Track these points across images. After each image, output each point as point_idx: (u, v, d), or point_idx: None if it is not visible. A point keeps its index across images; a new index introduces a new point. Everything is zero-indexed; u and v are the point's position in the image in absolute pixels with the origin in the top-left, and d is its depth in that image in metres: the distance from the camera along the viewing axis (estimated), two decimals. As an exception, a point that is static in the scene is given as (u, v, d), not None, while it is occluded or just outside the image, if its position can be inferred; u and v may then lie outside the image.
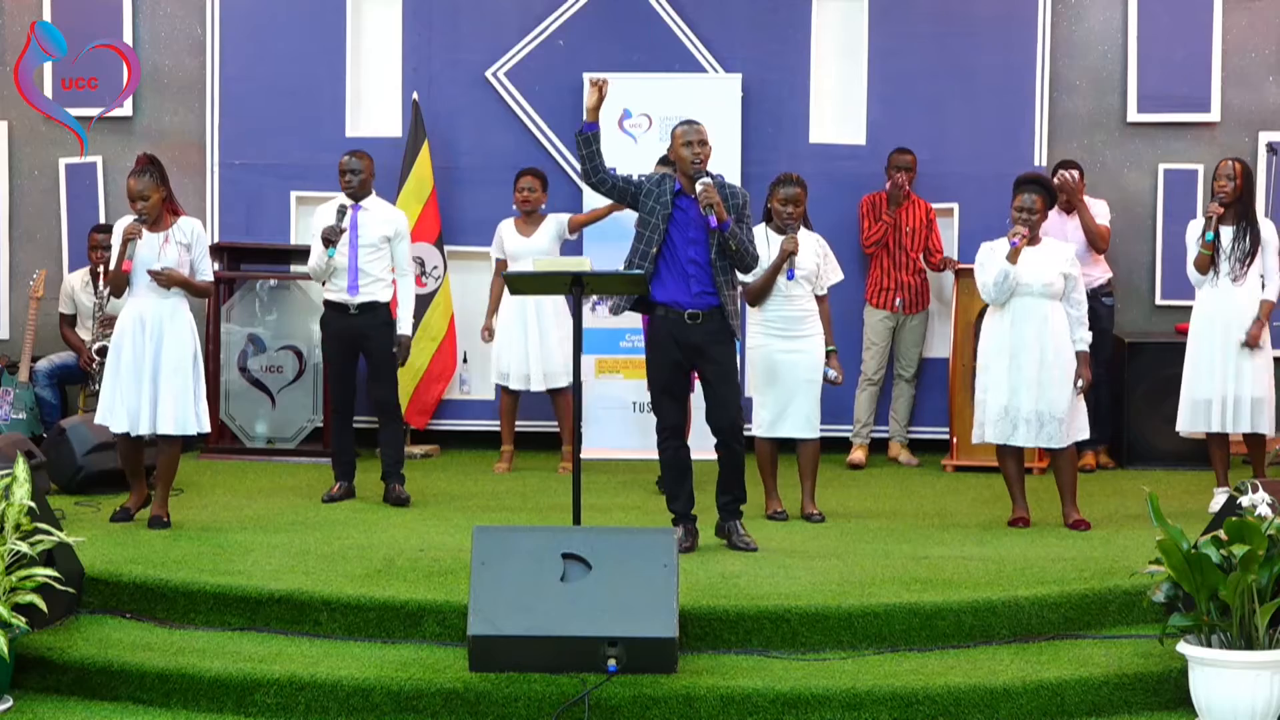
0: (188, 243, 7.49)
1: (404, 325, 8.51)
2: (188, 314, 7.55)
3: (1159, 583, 5.80)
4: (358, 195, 8.39)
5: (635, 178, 7.10)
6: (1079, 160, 9.71)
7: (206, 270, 7.62)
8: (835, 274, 8.08)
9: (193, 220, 7.58)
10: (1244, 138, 10.05)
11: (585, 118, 7.03)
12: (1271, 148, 9.37)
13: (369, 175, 8.43)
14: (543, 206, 9.43)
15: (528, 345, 9.31)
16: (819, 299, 7.92)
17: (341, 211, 8.29)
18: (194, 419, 7.50)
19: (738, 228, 6.98)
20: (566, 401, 9.20)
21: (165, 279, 7.40)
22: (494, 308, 9.46)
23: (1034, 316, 7.63)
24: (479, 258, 10.11)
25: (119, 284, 7.50)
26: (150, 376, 7.41)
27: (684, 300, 7.02)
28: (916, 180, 9.83)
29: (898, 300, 9.78)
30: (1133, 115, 10.18)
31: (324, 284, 8.48)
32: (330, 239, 8.20)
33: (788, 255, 7.68)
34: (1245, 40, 10.17)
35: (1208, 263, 8.11)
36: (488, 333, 9.50)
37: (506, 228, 9.43)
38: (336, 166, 8.49)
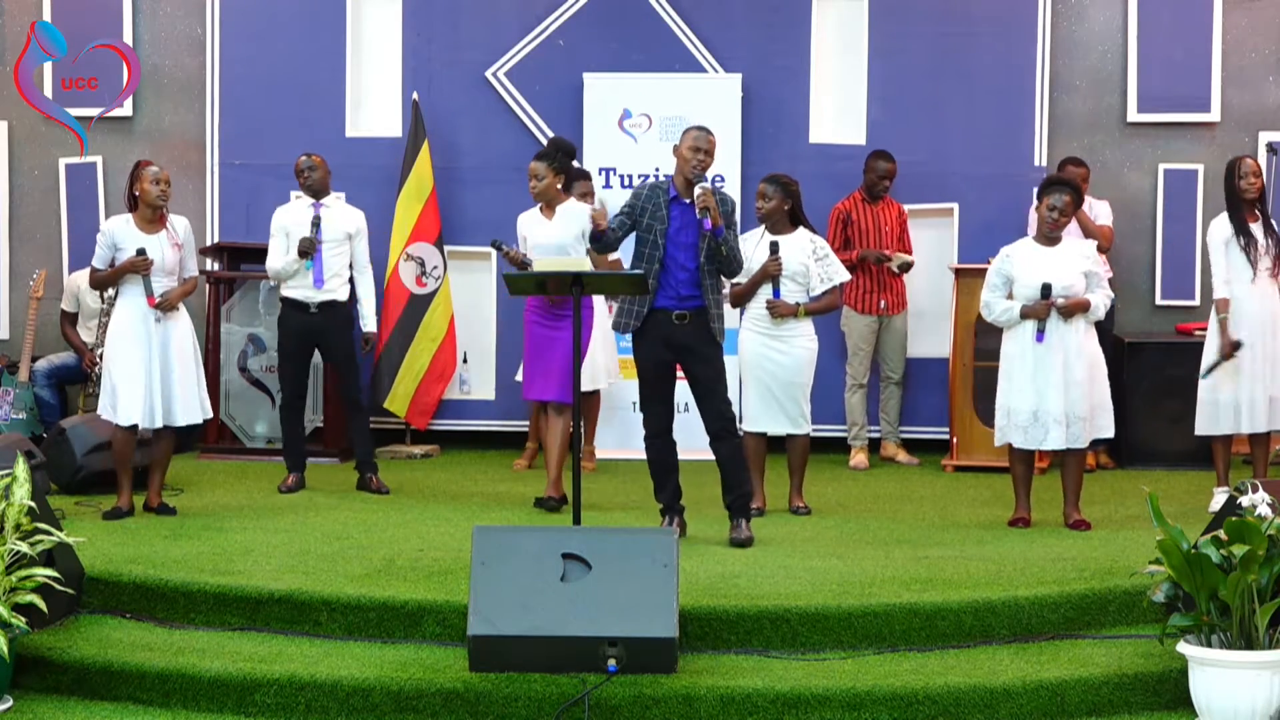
0: (182, 242, 7.75)
1: (369, 323, 8.74)
2: (183, 307, 7.81)
3: (1159, 583, 5.80)
4: (318, 193, 8.67)
5: (627, 208, 7.14)
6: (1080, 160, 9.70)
7: (194, 266, 7.88)
8: (839, 274, 7.97)
9: (182, 218, 7.85)
10: (1244, 138, 10.04)
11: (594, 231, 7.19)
12: (1272, 148, 9.35)
13: (325, 173, 8.72)
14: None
15: None
16: (828, 293, 7.90)
17: (316, 222, 8.52)
18: (205, 406, 7.85)
19: (728, 234, 7.07)
20: (594, 402, 9.27)
21: (169, 305, 7.63)
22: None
23: (1056, 320, 7.58)
24: (479, 258, 10.10)
25: (105, 284, 7.81)
26: (161, 370, 7.61)
27: (671, 302, 7.08)
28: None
29: (882, 302, 9.77)
30: (1133, 115, 10.18)
31: (282, 282, 8.67)
32: (307, 251, 8.47)
33: (769, 276, 7.78)
34: (1245, 40, 10.16)
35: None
36: None
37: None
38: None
